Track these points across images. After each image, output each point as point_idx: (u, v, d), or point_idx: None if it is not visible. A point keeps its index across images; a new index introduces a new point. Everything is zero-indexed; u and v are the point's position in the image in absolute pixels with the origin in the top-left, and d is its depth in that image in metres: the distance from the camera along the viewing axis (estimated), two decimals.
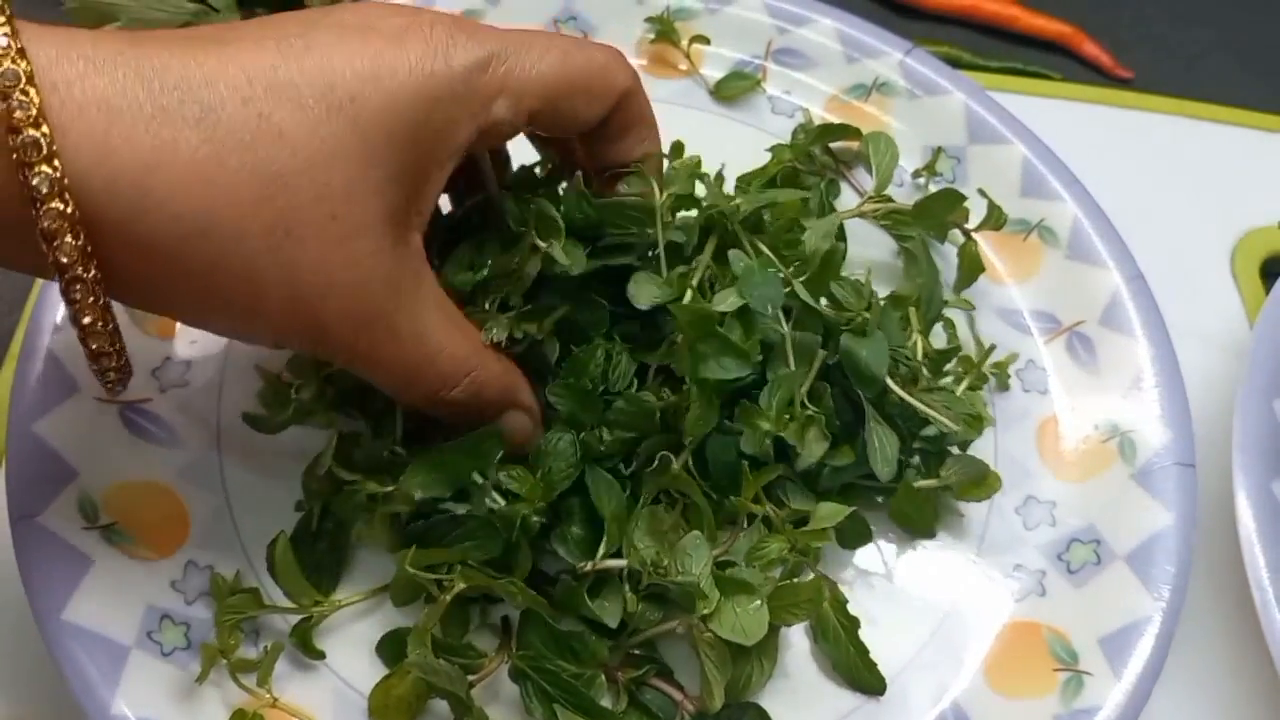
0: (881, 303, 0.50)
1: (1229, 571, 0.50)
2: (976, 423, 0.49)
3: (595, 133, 0.46)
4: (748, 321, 0.45)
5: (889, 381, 0.47)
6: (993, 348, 0.53)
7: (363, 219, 0.37)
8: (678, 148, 0.51)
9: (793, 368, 0.46)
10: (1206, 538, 0.51)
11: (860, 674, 0.46)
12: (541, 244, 0.45)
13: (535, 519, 0.43)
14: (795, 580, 0.46)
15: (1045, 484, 0.52)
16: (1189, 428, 0.51)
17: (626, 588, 0.43)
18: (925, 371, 0.50)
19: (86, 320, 0.35)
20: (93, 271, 0.34)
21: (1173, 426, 0.51)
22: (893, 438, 0.47)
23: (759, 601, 0.42)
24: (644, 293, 0.46)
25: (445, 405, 0.43)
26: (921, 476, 0.49)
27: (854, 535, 0.49)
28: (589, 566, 0.43)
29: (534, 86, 0.40)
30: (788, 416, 0.45)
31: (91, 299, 0.35)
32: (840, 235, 0.55)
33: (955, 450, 0.50)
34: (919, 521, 0.49)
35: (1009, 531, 0.51)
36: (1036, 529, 0.51)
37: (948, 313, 0.54)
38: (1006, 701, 0.47)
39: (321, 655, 0.46)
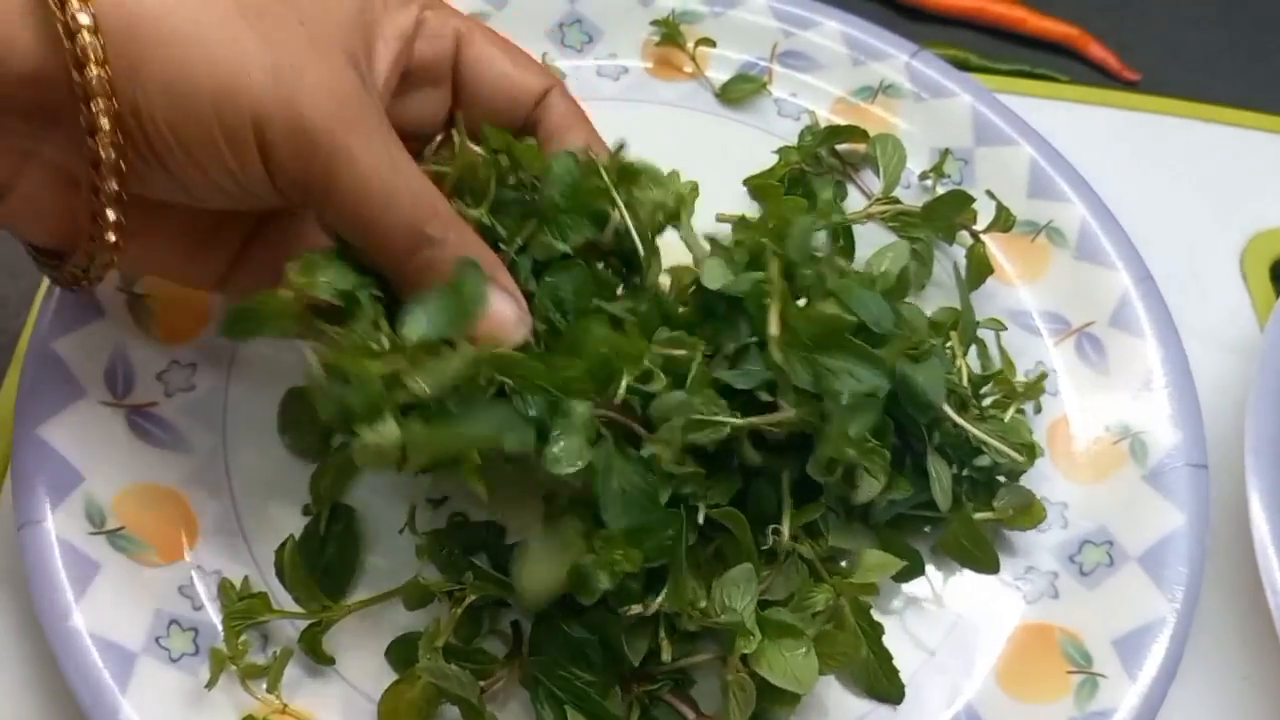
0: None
1: (1242, 574, 0.50)
2: (1030, 452, 0.49)
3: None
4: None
5: (947, 410, 0.46)
6: (1042, 375, 0.53)
7: (328, 37, 0.39)
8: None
9: None
10: (1219, 540, 0.50)
11: (879, 681, 0.46)
12: (476, 149, 0.44)
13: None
14: (834, 626, 0.44)
15: (1056, 485, 0.51)
16: (1200, 428, 0.51)
17: (662, 632, 0.42)
18: (973, 399, 0.49)
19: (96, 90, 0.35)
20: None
21: (1184, 427, 0.51)
22: (946, 468, 0.46)
23: (806, 648, 0.41)
24: (715, 275, 0.43)
25: (422, 254, 0.40)
26: (974, 508, 0.48)
27: (906, 570, 0.48)
28: (638, 610, 0.41)
29: (456, 14, 0.46)
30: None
31: (99, 53, 0.35)
32: (848, 237, 0.55)
33: (1003, 480, 0.50)
34: (979, 557, 0.48)
35: (1020, 533, 0.50)
36: (1048, 530, 0.50)
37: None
38: (1020, 705, 0.46)
39: (331, 661, 0.45)
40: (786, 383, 0.42)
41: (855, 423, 0.41)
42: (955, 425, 0.47)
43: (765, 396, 0.43)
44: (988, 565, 0.48)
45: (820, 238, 0.47)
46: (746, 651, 0.41)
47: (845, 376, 0.40)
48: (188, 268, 0.45)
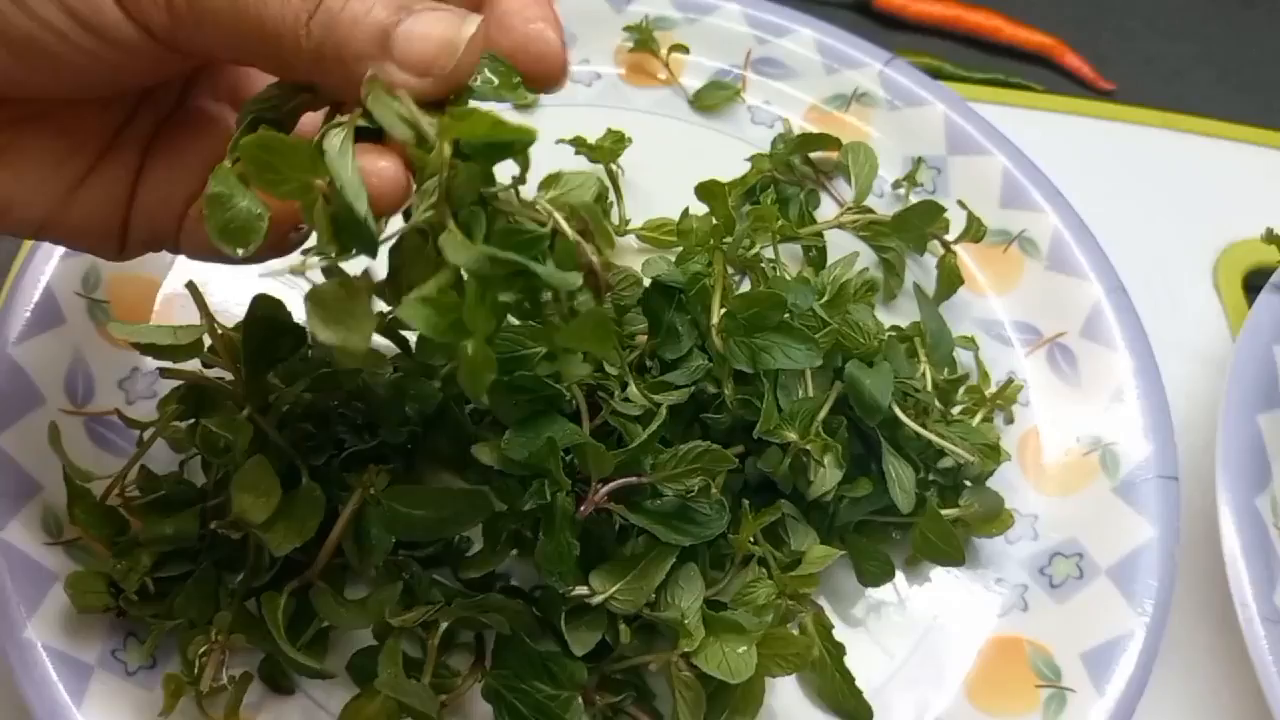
0: (888, 334, 0.50)
1: (1212, 586, 0.49)
2: (993, 453, 0.49)
3: None
4: None
5: (899, 414, 0.46)
6: (1010, 382, 0.53)
7: None
8: None
9: (810, 394, 0.45)
10: (1189, 552, 0.50)
11: (846, 701, 0.45)
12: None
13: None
14: (787, 629, 0.44)
15: (1027, 496, 0.51)
16: (1171, 440, 0.51)
17: (621, 622, 0.42)
18: (937, 403, 0.49)
19: None
20: None
21: (1155, 439, 0.51)
22: (908, 469, 0.46)
23: (748, 645, 0.41)
24: (656, 266, 0.46)
25: (315, 20, 0.32)
26: (939, 504, 0.48)
27: (875, 573, 0.48)
28: (582, 593, 0.42)
29: None
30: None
31: None
32: (820, 247, 0.55)
33: (969, 484, 0.50)
34: (947, 550, 0.47)
35: (990, 545, 0.50)
36: (1018, 542, 0.50)
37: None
38: (989, 718, 0.46)
39: (292, 691, 0.45)
40: (726, 370, 0.43)
41: (786, 394, 0.44)
42: (911, 429, 0.47)
43: (711, 389, 0.44)
44: (954, 557, 0.48)
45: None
46: (688, 649, 0.41)
47: (778, 353, 0.42)
48: (74, 205, 0.37)
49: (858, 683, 0.45)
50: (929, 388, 0.50)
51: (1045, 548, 0.50)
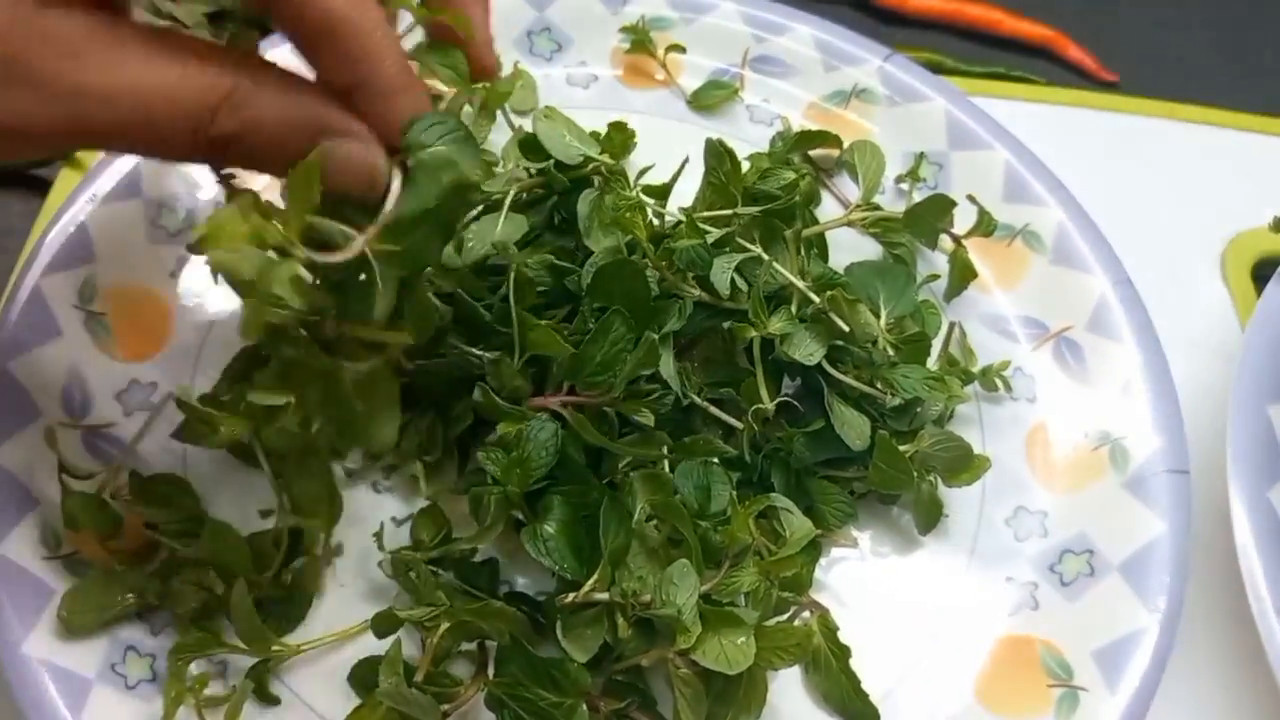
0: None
1: (1225, 581, 0.49)
2: (940, 386, 0.48)
3: None
4: None
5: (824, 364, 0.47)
6: (1006, 363, 0.53)
7: None
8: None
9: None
10: (1201, 546, 0.49)
11: (853, 704, 0.45)
12: None
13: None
14: (787, 620, 0.44)
15: (1035, 493, 0.50)
16: (1181, 434, 0.50)
17: (619, 616, 0.42)
18: (889, 352, 0.48)
19: None
20: None
21: (1164, 433, 0.50)
22: (856, 413, 0.47)
23: (745, 637, 0.41)
24: None
25: (224, 152, 0.33)
26: (896, 440, 0.47)
27: (837, 515, 0.48)
28: (574, 598, 0.41)
29: None
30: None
31: None
32: (821, 244, 0.54)
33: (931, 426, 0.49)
34: (899, 478, 0.47)
35: (999, 543, 0.49)
36: (1027, 540, 0.49)
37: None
38: None
39: (276, 701, 0.44)
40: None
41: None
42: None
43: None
44: (905, 484, 0.47)
45: None
46: (685, 646, 0.40)
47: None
48: None
49: (868, 686, 0.45)
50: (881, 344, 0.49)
51: (1055, 545, 0.49)
